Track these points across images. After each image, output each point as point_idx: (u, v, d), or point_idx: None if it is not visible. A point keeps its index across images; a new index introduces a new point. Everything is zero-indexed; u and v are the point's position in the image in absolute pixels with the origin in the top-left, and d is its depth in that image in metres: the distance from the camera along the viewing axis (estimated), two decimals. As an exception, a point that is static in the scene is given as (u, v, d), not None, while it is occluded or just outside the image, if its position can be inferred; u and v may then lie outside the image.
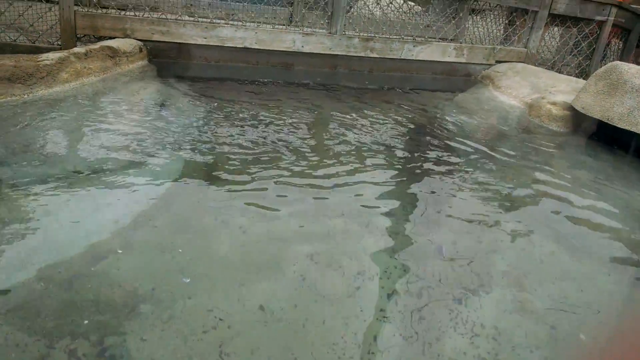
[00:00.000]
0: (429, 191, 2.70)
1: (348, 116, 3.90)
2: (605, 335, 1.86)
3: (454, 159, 3.22)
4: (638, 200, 2.95)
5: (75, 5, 3.99)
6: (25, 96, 3.13)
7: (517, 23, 5.64)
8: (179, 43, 4.45)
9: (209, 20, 4.51)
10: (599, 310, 1.92)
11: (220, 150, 2.86)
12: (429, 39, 5.45)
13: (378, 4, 5.38)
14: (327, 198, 2.46)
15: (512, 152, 3.48)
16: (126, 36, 4.21)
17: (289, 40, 4.73)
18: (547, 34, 5.85)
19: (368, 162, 2.98)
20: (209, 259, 1.89)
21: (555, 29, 5.91)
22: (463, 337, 1.67)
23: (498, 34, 5.89)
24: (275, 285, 1.79)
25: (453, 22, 5.56)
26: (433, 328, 1.68)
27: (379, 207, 2.44)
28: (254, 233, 2.08)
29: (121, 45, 3.99)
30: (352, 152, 3.10)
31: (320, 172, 2.75)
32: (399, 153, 3.21)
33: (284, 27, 4.93)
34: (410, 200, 2.58)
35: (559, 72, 5.61)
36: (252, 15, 4.98)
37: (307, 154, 2.97)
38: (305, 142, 3.17)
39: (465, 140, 3.61)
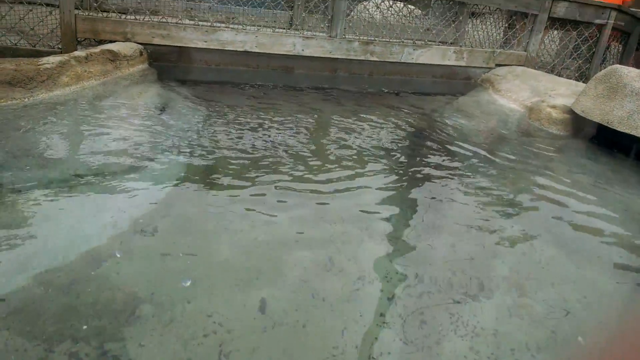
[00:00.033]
0: (429, 196, 2.70)
1: (348, 120, 3.90)
2: (606, 339, 1.86)
3: (454, 163, 3.22)
4: (638, 204, 2.95)
5: (76, 9, 4.00)
6: (26, 100, 3.14)
7: (517, 26, 5.65)
8: (180, 47, 4.45)
9: (209, 23, 4.52)
10: (599, 314, 1.92)
11: (220, 154, 2.87)
12: (429, 43, 5.46)
13: (378, 7, 5.39)
14: (327, 203, 2.46)
15: (512, 156, 3.49)
16: (127, 40, 4.22)
17: (289, 43, 4.74)
18: (546, 37, 5.86)
19: (368, 166, 2.99)
20: (209, 263, 1.89)
21: (555, 32, 5.92)
22: (463, 340, 1.66)
23: (498, 37, 5.90)
24: (276, 289, 1.79)
25: (453, 25, 5.57)
26: (433, 332, 1.68)
27: (379, 212, 2.44)
28: (254, 237, 2.08)
29: (122, 48, 4.00)
30: (352, 157, 3.10)
31: (320, 176, 2.75)
32: (399, 157, 3.21)
33: (284, 30, 4.94)
34: (410, 204, 2.58)
35: (559, 76, 5.62)
36: (253, 18, 5.00)
37: (307, 158, 2.97)
38: (306, 146, 3.17)
39: (465, 144, 3.62)
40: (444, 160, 3.25)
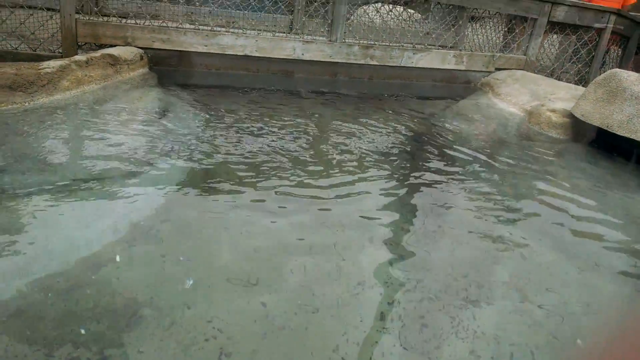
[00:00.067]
0: (430, 201, 2.70)
1: (348, 124, 3.91)
2: (606, 343, 1.86)
3: (454, 168, 3.22)
4: (638, 208, 2.95)
5: (77, 13, 4.01)
6: (27, 104, 3.14)
7: (517, 30, 5.67)
8: (180, 51, 4.46)
9: (209, 28, 4.53)
10: (600, 319, 1.92)
11: (221, 159, 2.87)
12: (429, 47, 5.47)
13: (378, 11, 5.41)
14: (327, 208, 2.46)
15: (512, 160, 3.49)
16: (127, 44, 4.22)
17: (290, 48, 4.75)
18: (546, 41, 5.87)
19: (369, 171, 2.99)
20: (209, 268, 1.89)
21: (555, 36, 5.93)
22: (463, 343, 1.66)
23: (497, 41, 5.91)
24: (276, 294, 1.78)
25: (452, 29, 5.59)
26: (433, 337, 1.68)
27: (379, 217, 2.44)
28: (254, 242, 2.08)
29: (122, 53, 4.01)
30: (353, 161, 3.10)
31: (320, 181, 2.75)
32: (399, 162, 3.22)
33: (285, 35, 4.96)
34: (411, 209, 2.58)
35: (559, 80, 5.63)
36: (253, 23, 5.01)
37: (307, 163, 2.98)
38: (306, 151, 3.18)
39: (465, 149, 3.62)
40: (444, 164, 3.26)
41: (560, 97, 4.61)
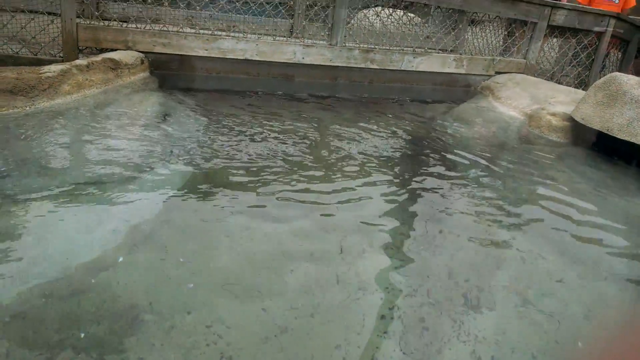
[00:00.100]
0: (430, 205, 2.70)
1: (349, 128, 3.91)
2: (608, 347, 1.85)
3: (454, 172, 3.22)
4: (639, 212, 2.95)
5: (77, 17, 4.02)
6: (27, 108, 3.14)
7: (517, 34, 5.68)
8: (181, 55, 4.47)
9: (210, 32, 4.54)
10: (601, 323, 1.92)
11: (221, 163, 2.87)
12: (429, 50, 5.48)
13: (378, 15, 5.42)
14: (328, 213, 2.46)
15: (512, 164, 3.49)
16: (128, 48, 4.23)
17: (290, 52, 4.76)
18: (546, 45, 5.88)
19: (369, 176, 2.98)
20: (209, 272, 1.89)
21: (554, 40, 5.94)
22: (465, 346, 1.66)
23: (497, 45, 5.92)
24: (276, 299, 1.78)
25: (452, 33, 5.60)
26: (434, 342, 1.68)
27: (380, 222, 2.44)
28: (254, 247, 2.08)
29: (123, 57, 4.02)
30: (353, 166, 3.10)
31: (321, 186, 2.75)
32: (400, 166, 3.22)
33: (285, 39, 4.96)
34: (412, 214, 2.58)
35: (559, 83, 5.64)
36: (253, 27, 5.02)
37: (307, 168, 2.98)
38: (306, 155, 3.18)
39: (465, 153, 3.62)
40: (444, 169, 3.26)
41: (561, 101, 4.62)
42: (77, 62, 3.66)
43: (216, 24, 5.00)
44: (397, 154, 3.43)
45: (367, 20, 5.44)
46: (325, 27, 5.04)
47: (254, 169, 2.85)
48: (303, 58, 4.83)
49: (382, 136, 3.82)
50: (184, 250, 1.99)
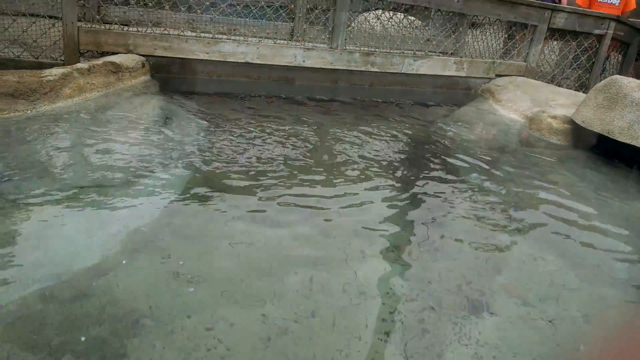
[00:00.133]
0: (431, 210, 2.70)
1: (350, 132, 3.92)
2: (609, 351, 1.85)
3: (455, 176, 3.22)
4: (639, 215, 2.95)
5: (79, 21, 4.02)
6: (29, 112, 3.15)
7: (517, 37, 5.68)
8: (182, 58, 4.48)
9: (211, 35, 4.55)
10: (602, 326, 1.91)
11: (222, 167, 2.87)
12: (430, 53, 5.48)
13: (378, 18, 5.43)
14: (329, 218, 2.45)
15: (513, 167, 3.49)
16: (129, 51, 4.24)
17: (290, 55, 4.77)
18: (546, 47, 5.89)
19: (371, 181, 2.98)
20: (209, 277, 1.89)
21: (555, 42, 5.95)
22: (466, 350, 1.66)
23: (498, 48, 5.92)
24: (277, 304, 1.78)
25: (453, 36, 5.60)
26: (435, 346, 1.67)
27: (381, 227, 2.43)
28: (254, 252, 2.08)
29: (124, 60, 4.02)
30: (354, 170, 3.09)
31: (322, 191, 2.74)
32: (401, 170, 3.21)
33: (286, 42, 4.97)
34: (413, 219, 2.57)
35: (559, 86, 5.64)
36: (254, 30, 5.03)
37: (308, 173, 2.98)
38: (307, 159, 3.18)
39: (466, 156, 3.62)
40: (445, 172, 3.26)
41: (561, 104, 4.62)
42: (78, 65, 3.67)
43: (217, 27, 5.01)
44: (398, 158, 3.43)
45: (367, 23, 5.45)
46: (325, 30, 5.05)
47: (255, 172, 2.85)
48: (304, 61, 4.83)
49: (383, 140, 3.82)
50: (184, 255, 1.99)
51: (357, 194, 2.76)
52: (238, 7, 4.69)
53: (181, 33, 4.48)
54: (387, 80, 5.43)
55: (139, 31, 4.27)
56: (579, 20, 5.58)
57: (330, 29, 4.93)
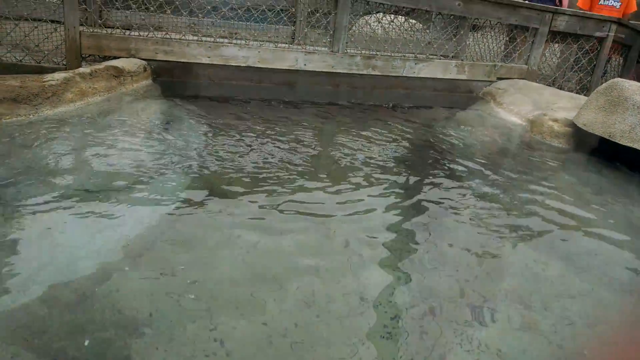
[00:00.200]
0: (433, 215, 2.69)
1: (351, 136, 3.92)
2: (612, 354, 1.84)
3: (457, 181, 3.21)
4: (641, 218, 2.95)
5: (80, 25, 4.04)
6: (31, 116, 3.16)
7: (518, 40, 5.69)
8: (183, 62, 4.49)
9: (212, 39, 4.56)
10: (605, 331, 1.91)
11: (223, 172, 2.87)
12: (431, 56, 5.49)
13: (379, 22, 5.43)
14: (331, 224, 2.44)
15: (514, 171, 3.49)
16: (131, 56, 4.25)
17: (292, 58, 4.78)
18: (547, 50, 5.89)
19: (373, 187, 2.96)
20: (210, 282, 1.88)
21: (556, 45, 5.95)
22: (468, 355, 1.65)
23: (499, 51, 5.93)
24: (278, 311, 1.78)
25: (454, 39, 5.61)
26: (438, 352, 1.67)
27: (383, 233, 2.42)
28: (256, 259, 2.08)
29: (126, 64, 4.04)
30: (356, 177, 3.07)
31: (324, 197, 2.73)
32: (403, 175, 3.20)
33: (287, 45, 4.98)
34: (415, 224, 2.56)
35: (560, 89, 5.64)
36: (255, 34, 5.04)
37: (310, 178, 2.97)
38: (309, 164, 3.18)
39: (467, 160, 3.62)
40: (447, 177, 3.25)
41: (562, 107, 4.62)
42: (80, 70, 3.68)
43: (218, 31, 5.02)
44: (400, 162, 3.43)
45: (368, 26, 5.46)
46: (327, 34, 5.06)
47: (256, 178, 2.85)
48: (305, 65, 4.84)
49: (385, 144, 3.82)
50: (185, 261, 1.99)
51: (359, 200, 2.75)
52: (239, 10, 4.70)
53: (183, 37, 4.49)
54: (388, 83, 5.43)
55: (140, 35, 4.29)
56: (580, 23, 5.58)
57: (331, 33, 4.94)
